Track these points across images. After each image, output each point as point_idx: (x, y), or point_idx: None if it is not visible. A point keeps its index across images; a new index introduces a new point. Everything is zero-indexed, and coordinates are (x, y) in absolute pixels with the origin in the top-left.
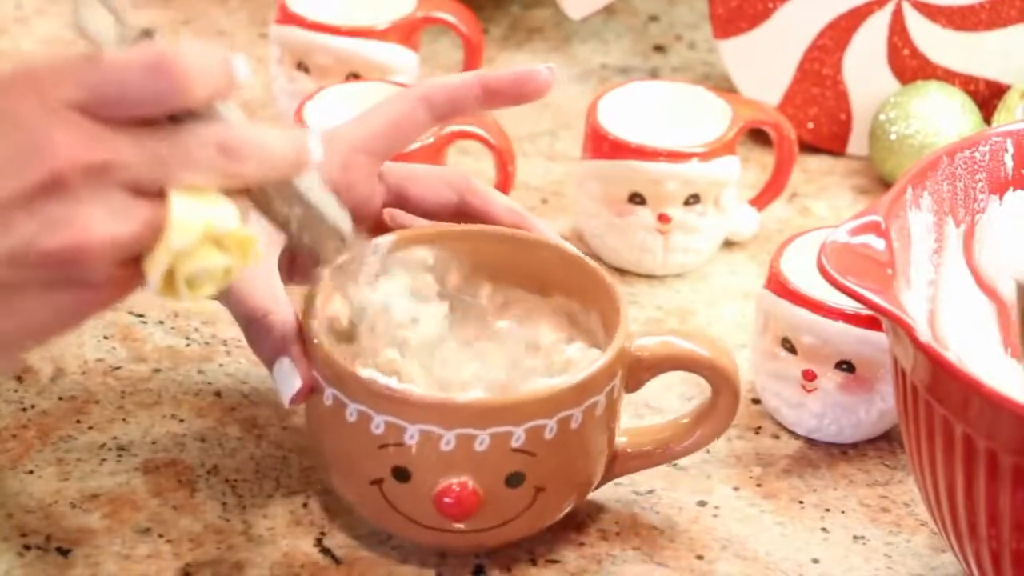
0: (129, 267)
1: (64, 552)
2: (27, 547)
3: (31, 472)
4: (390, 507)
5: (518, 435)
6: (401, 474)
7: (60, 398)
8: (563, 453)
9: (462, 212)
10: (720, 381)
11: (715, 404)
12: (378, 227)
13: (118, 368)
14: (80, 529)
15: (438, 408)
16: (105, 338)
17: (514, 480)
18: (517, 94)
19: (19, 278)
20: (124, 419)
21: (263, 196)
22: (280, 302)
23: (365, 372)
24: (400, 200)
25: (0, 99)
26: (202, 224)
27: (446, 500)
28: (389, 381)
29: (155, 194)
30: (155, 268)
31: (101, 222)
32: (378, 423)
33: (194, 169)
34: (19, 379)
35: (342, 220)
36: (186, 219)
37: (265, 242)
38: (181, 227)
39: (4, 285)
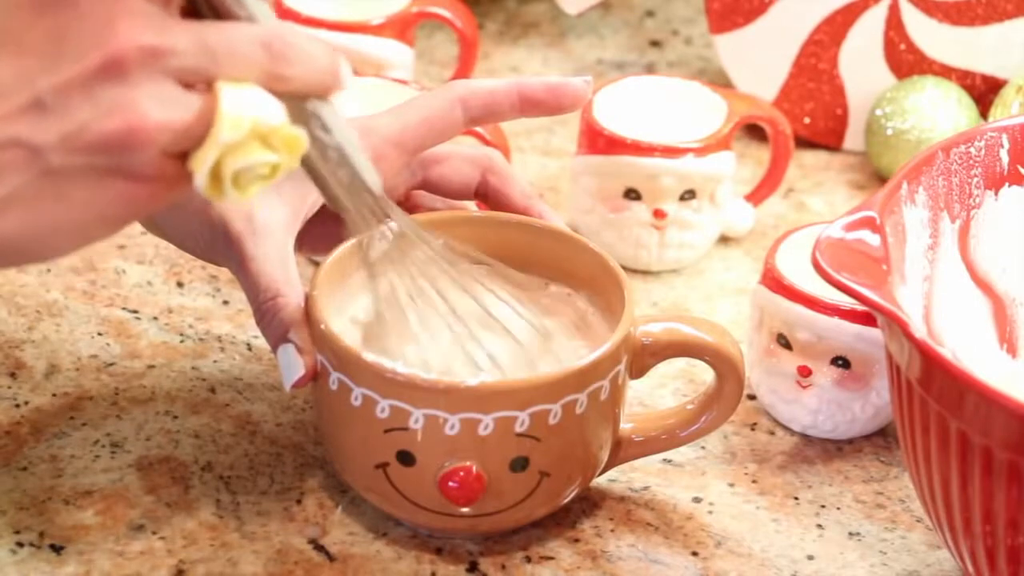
0: (176, 162)
1: (57, 549)
2: (20, 544)
3: (24, 469)
4: (395, 491)
5: (522, 420)
6: (406, 458)
7: (54, 394)
8: (568, 438)
9: (481, 190)
10: (725, 367)
11: (720, 390)
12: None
13: (112, 364)
14: (73, 526)
15: (443, 392)
16: (99, 334)
17: (518, 465)
18: (554, 105)
19: (71, 164)
20: (118, 416)
21: (301, 114)
22: (292, 284)
23: (370, 356)
24: (425, 182)
25: None
26: (251, 119)
27: (451, 484)
28: (394, 365)
29: (202, 87)
30: (203, 163)
31: (155, 108)
32: (383, 407)
33: (240, 63)
34: (12, 375)
35: (368, 170)
36: (235, 113)
37: (285, 224)
38: (231, 121)
39: (56, 171)
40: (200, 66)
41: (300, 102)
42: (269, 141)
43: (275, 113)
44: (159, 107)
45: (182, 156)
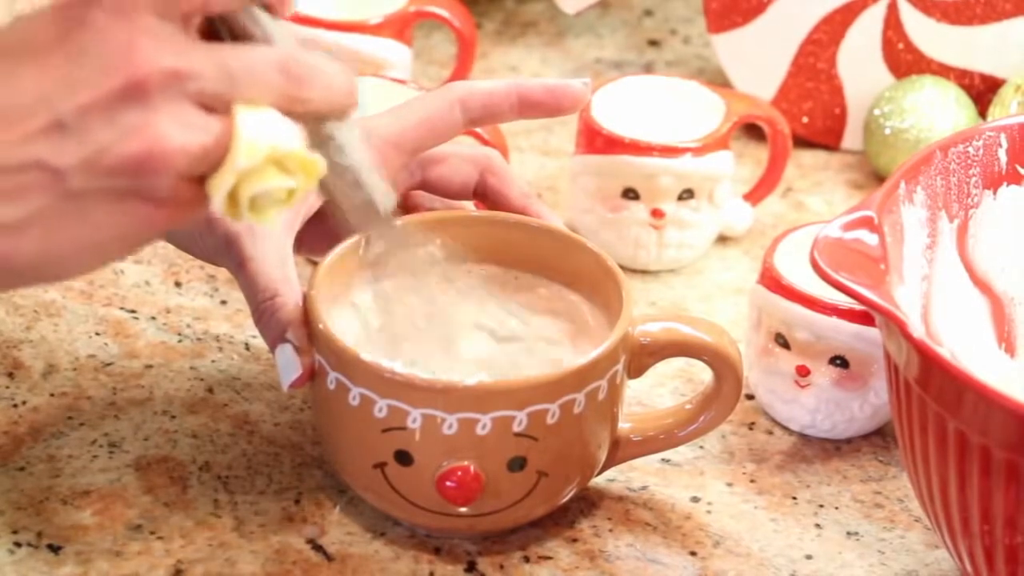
0: (194, 185)
1: (55, 549)
2: (18, 544)
3: (22, 468)
4: (393, 491)
5: (520, 419)
6: (404, 458)
7: (52, 394)
8: (565, 438)
9: (479, 190)
10: (723, 367)
11: (718, 390)
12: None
13: (110, 364)
14: (71, 526)
15: (440, 392)
16: (97, 334)
17: (516, 464)
18: (554, 106)
19: (92, 186)
20: (116, 415)
21: (317, 135)
22: (290, 284)
23: (368, 356)
24: (424, 182)
25: (78, 8)
26: (268, 145)
27: (448, 484)
28: (392, 364)
29: (221, 110)
30: (220, 187)
31: (175, 131)
32: (381, 407)
33: (258, 87)
34: (10, 375)
35: (379, 190)
36: (252, 138)
37: (283, 224)
38: (248, 147)
39: (76, 194)
40: (219, 90)
41: (317, 123)
42: (285, 166)
43: (291, 137)
44: (179, 131)
45: (200, 179)
